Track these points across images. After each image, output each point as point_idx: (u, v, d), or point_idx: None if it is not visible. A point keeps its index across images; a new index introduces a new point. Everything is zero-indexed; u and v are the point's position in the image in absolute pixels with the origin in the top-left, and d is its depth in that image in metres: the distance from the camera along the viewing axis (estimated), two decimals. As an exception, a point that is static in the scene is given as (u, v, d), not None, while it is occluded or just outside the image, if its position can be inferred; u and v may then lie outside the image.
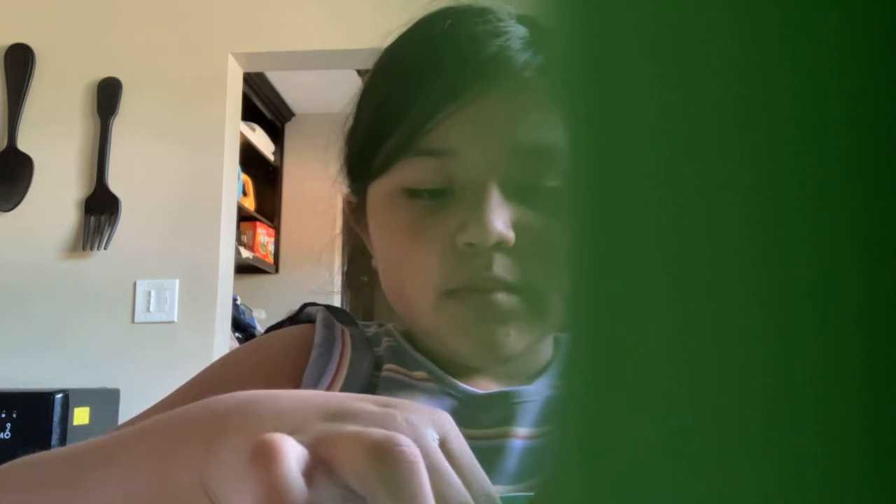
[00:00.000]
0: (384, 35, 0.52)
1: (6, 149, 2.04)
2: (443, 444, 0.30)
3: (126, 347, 1.94)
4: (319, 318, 0.54)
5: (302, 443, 0.28)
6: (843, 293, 0.09)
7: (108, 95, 2.04)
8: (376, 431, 0.28)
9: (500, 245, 0.45)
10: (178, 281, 1.96)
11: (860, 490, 0.09)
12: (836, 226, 0.10)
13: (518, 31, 0.48)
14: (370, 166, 0.50)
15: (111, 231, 1.99)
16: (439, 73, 0.47)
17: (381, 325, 0.55)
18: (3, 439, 1.65)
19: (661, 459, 0.11)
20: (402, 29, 0.51)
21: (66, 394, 1.70)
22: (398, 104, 0.48)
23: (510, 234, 0.45)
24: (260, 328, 2.84)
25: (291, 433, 0.29)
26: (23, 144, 2.04)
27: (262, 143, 3.09)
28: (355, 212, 0.55)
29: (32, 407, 1.67)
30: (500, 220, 0.45)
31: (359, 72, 2.06)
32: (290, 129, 3.33)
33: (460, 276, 0.46)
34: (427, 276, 0.47)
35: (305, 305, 0.57)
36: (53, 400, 1.67)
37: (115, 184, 2.01)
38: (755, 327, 0.10)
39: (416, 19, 0.51)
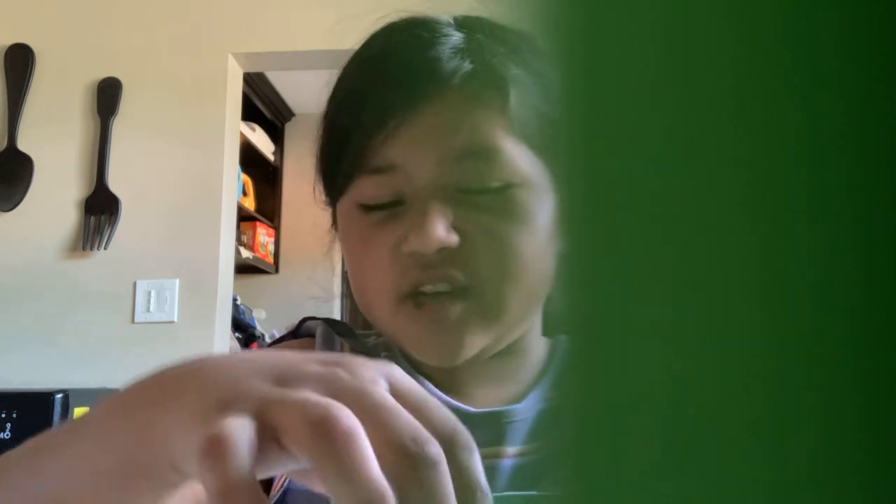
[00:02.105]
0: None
1: (6, 149, 2.04)
2: (392, 389, 0.30)
3: (126, 347, 1.94)
4: (318, 332, 0.55)
5: (245, 411, 0.28)
6: (843, 293, 0.09)
7: (108, 95, 2.04)
8: (314, 405, 0.27)
9: (444, 250, 0.46)
10: (178, 281, 1.96)
11: (859, 491, 0.09)
12: (835, 226, 0.10)
13: (451, 40, 0.49)
14: (334, 185, 0.52)
15: (111, 231, 1.98)
16: (375, 93, 0.49)
17: (379, 336, 0.56)
18: (3, 439, 1.65)
19: (661, 463, 0.11)
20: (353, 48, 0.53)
21: (66, 394, 1.70)
22: (343, 127, 0.50)
23: (451, 238, 0.46)
24: (260, 328, 2.84)
25: (233, 401, 0.29)
26: (23, 144, 2.04)
27: (262, 143, 3.09)
28: (335, 225, 0.56)
29: (32, 407, 1.67)
30: (441, 226, 0.46)
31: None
32: (290, 129, 3.33)
33: (407, 282, 0.47)
34: (379, 285, 0.49)
35: (305, 320, 0.58)
36: (53, 400, 1.67)
37: (115, 184, 2.01)
38: (754, 331, 0.10)
39: (363, 39, 0.53)
